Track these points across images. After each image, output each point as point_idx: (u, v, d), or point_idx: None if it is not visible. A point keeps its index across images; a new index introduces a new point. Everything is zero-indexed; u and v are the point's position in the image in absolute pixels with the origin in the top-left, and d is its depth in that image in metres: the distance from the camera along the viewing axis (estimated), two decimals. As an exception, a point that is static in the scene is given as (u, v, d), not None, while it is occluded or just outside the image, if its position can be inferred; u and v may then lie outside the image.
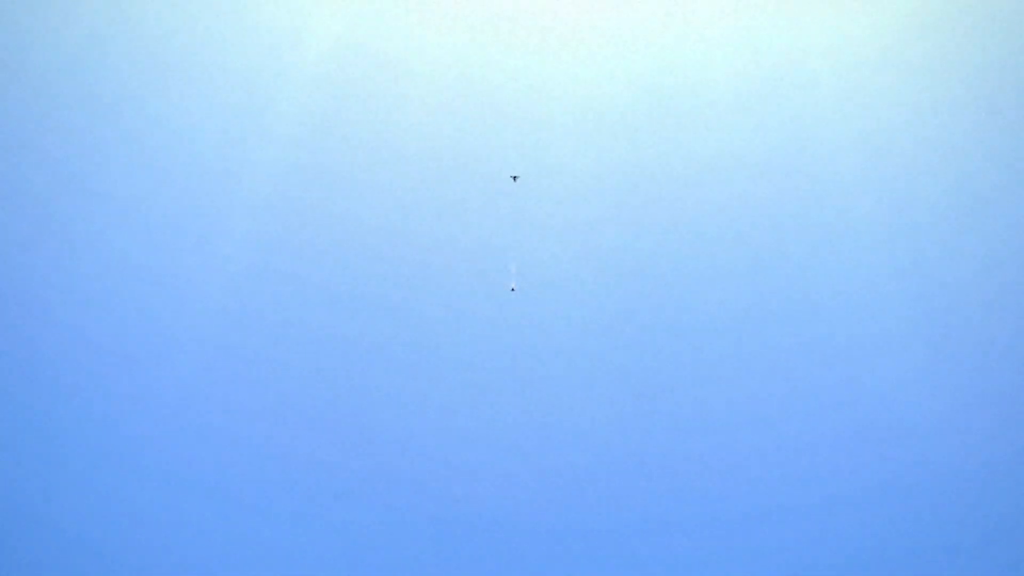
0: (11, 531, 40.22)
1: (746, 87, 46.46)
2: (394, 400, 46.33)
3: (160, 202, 45.35)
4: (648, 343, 46.23)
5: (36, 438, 41.96)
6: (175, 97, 45.90)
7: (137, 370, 43.82)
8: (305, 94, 46.46)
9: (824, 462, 43.41)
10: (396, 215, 47.76)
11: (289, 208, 46.53)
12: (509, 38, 47.46)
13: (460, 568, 43.71)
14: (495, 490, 44.87)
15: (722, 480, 43.64)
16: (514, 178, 42.46)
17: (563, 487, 45.10)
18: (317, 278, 46.89)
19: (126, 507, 42.13)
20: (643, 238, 47.01)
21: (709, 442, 44.57)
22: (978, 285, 43.23)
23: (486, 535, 44.12)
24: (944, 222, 44.15)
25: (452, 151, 47.18)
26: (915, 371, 43.24)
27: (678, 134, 46.62)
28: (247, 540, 42.42)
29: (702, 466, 44.09)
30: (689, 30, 46.72)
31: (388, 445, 45.71)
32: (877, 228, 44.96)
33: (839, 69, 45.31)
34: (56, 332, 43.37)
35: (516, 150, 46.94)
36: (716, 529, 43.06)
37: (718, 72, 46.42)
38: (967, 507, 41.07)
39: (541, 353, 47.13)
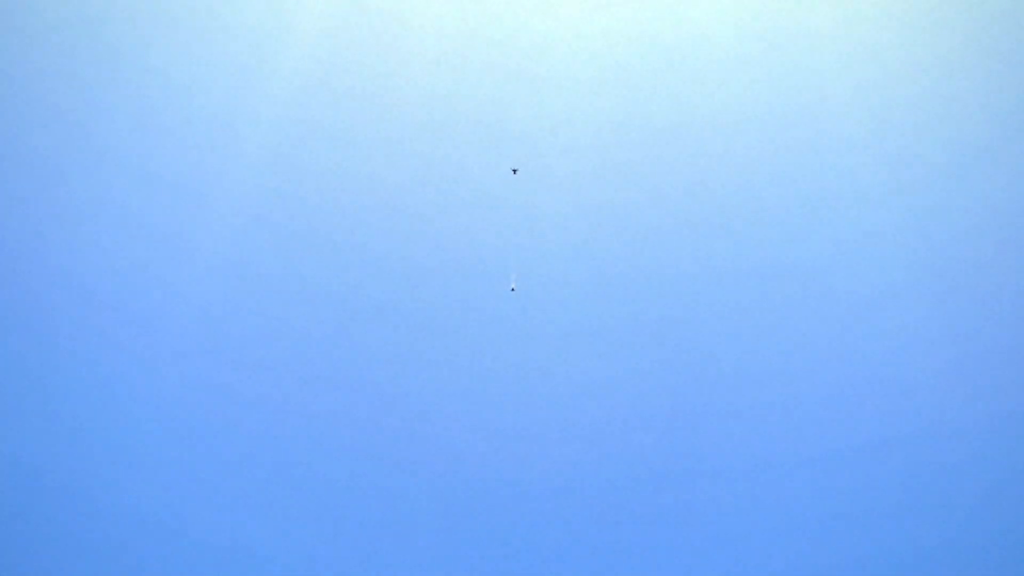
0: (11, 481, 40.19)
1: (747, 41, 46.27)
2: (392, 373, 46.31)
3: (161, 155, 45.21)
4: (652, 302, 46.12)
5: (38, 389, 41.95)
6: (177, 49, 45.68)
7: (136, 321, 43.77)
8: (305, 51, 45.96)
9: (826, 412, 43.51)
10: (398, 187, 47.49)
11: (290, 162, 46.34)
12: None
13: (458, 558, 43.77)
14: (493, 485, 44.90)
15: (727, 436, 43.64)
16: (514, 171, 42.09)
17: (564, 480, 45.14)
18: (313, 262, 46.60)
19: (129, 453, 42.21)
20: (644, 197, 46.86)
21: (715, 399, 44.61)
22: (979, 235, 43.16)
23: (483, 530, 44.17)
24: (945, 173, 44.07)
25: (452, 138, 46.96)
26: (917, 323, 43.20)
27: (680, 91, 46.35)
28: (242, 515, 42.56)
29: (708, 425, 44.15)
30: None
31: (383, 422, 45.77)
32: (878, 179, 44.86)
33: (840, 22, 44.95)
34: (57, 282, 43.29)
35: (520, 102, 46.55)
36: (722, 481, 43.14)
37: (719, 28, 46.11)
38: (968, 458, 41.07)
39: (541, 345, 47.08)
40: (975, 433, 41.28)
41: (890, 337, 43.53)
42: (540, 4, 47.24)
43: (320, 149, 46.84)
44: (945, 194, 44.16)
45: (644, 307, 47.07)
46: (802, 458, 43.03)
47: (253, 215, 45.99)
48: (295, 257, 46.80)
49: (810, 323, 44.87)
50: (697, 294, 46.60)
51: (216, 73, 45.85)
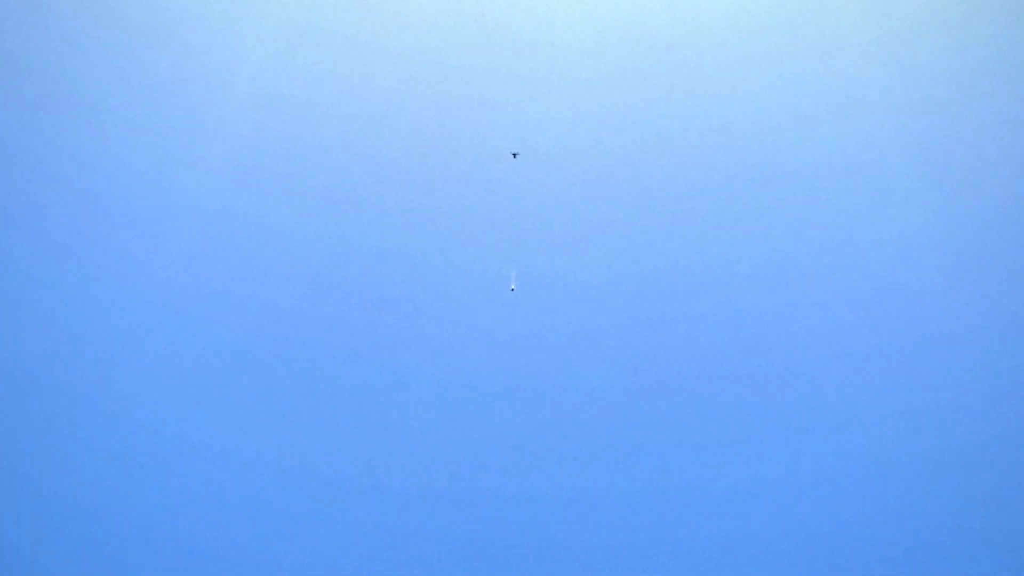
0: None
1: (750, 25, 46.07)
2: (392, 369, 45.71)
3: (162, 63, 44.86)
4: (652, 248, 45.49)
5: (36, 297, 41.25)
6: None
7: (136, 243, 43.28)
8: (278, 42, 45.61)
9: (829, 319, 43.14)
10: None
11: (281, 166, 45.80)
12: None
13: (458, 560, 42.98)
14: (490, 484, 44.17)
15: (728, 433, 43.10)
16: (514, 155, 41.96)
17: (565, 480, 44.46)
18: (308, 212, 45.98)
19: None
20: (646, 190, 46.43)
21: (717, 399, 44.08)
22: (979, 145, 42.94)
23: (481, 530, 43.40)
24: (947, 81, 43.80)
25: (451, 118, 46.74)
26: (916, 229, 42.90)
27: (683, 85, 46.25)
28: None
29: (710, 423, 43.57)
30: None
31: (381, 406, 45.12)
32: (881, 86, 44.56)
33: None
34: (59, 194, 42.78)
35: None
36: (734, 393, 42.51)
37: (722, 26, 46.08)
38: (970, 362, 40.71)
39: (541, 345, 46.64)
40: (978, 331, 41.08)
41: (894, 239, 43.34)
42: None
43: (312, 136, 46.72)
44: (952, 98, 44.03)
45: (646, 303, 46.77)
46: (809, 358, 42.83)
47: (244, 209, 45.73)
48: (289, 265, 46.44)
49: (815, 223, 44.51)
50: (697, 291, 46.29)
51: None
